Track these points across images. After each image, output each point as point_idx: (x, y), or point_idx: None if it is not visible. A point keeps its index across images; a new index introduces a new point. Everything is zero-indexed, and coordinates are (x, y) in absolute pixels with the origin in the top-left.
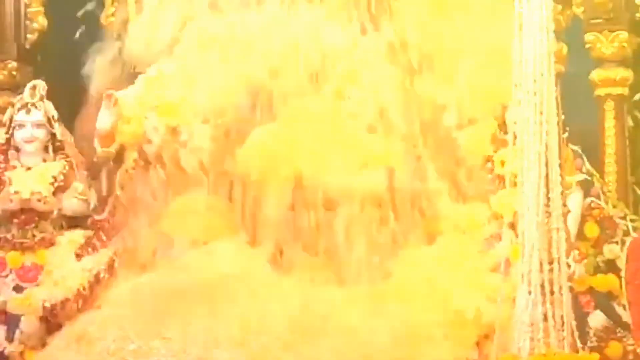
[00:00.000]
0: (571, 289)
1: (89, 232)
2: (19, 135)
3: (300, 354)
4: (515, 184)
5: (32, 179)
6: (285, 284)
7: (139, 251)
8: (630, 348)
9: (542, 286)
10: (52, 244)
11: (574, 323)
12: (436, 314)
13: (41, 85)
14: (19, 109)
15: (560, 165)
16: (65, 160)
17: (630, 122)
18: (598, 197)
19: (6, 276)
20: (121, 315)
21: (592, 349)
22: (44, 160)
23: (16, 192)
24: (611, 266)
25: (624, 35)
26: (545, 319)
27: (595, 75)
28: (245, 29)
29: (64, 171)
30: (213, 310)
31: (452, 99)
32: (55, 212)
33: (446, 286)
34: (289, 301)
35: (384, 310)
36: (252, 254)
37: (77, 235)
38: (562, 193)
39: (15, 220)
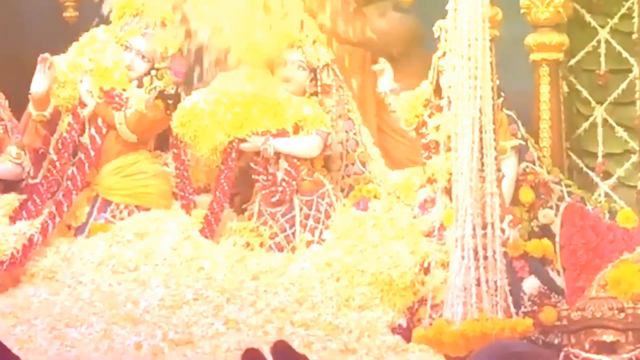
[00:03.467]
0: (505, 254)
1: (23, 196)
2: None
3: (236, 316)
4: (449, 149)
5: None
6: (221, 248)
7: (73, 215)
8: (564, 313)
9: (476, 251)
10: None
11: (507, 288)
12: (369, 279)
13: None
14: None
15: (494, 130)
16: None
17: (565, 88)
18: (533, 162)
19: None
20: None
21: (525, 314)
22: None
23: None
24: (546, 231)
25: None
26: (479, 283)
27: (531, 40)
28: None
29: None
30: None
31: (386, 65)
32: None
33: (379, 252)
34: (225, 264)
35: (316, 276)
36: (187, 218)
37: (11, 199)
38: (496, 158)
39: None
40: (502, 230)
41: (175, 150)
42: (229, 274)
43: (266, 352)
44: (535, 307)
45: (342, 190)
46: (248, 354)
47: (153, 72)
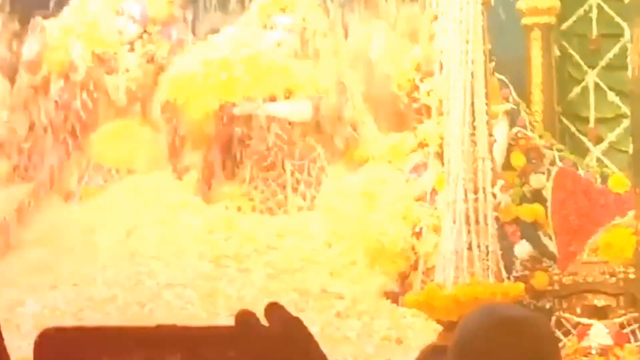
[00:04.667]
0: (497, 218)
1: (16, 161)
2: None
3: (232, 278)
4: (441, 113)
5: None
6: (212, 212)
7: (65, 179)
8: (555, 278)
9: (467, 215)
10: None
11: (499, 253)
12: (360, 243)
13: None
14: None
15: (486, 95)
16: None
17: (557, 52)
18: (524, 127)
19: None
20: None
21: (517, 279)
22: None
23: None
24: (537, 196)
25: None
26: (470, 248)
27: (522, 4)
28: None
29: None
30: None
31: (379, 30)
32: None
33: (370, 216)
34: (215, 228)
35: (308, 239)
36: (178, 183)
37: (3, 164)
38: (488, 122)
39: None
40: (494, 195)
41: (167, 115)
42: (221, 238)
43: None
44: (526, 272)
45: (334, 154)
46: (241, 315)
47: (145, 36)
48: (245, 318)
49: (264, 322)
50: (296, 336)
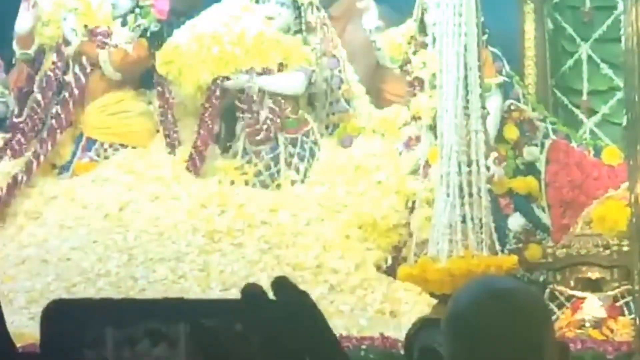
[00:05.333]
0: (490, 191)
1: (8, 135)
2: None
3: (226, 252)
4: (434, 86)
5: None
6: (205, 186)
7: (57, 154)
8: (549, 250)
9: (461, 188)
10: None
11: (492, 225)
12: (354, 218)
13: None
14: None
15: (479, 68)
16: None
17: (550, 25)
18: (518, 100)
19: None
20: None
21: (511, 252)
22: None
23: None
24: (531, 168)
25: None
26: (464, 221)
27: None
28: None
29: None
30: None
31: (370, 2)
32: None
33: (364, 190)
34: (208, 203)
35: (302, 217)
36: (171, 157)
37: None
38: (481, 95)
39: None
40: (487, 168)
41: (159, 89)
42: (215, 213)
43: (267, 287)
44: (520, 245)
45: (327, 127)
46: (248, 288)
47: (137, 10)
48: (252, 291)
49: (270, 296)
50: (303, 309)
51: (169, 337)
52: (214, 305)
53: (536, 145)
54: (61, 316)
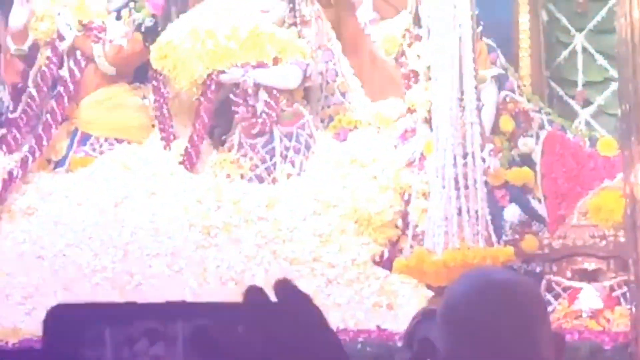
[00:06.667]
0: (486, 183)
1: (2, 130)
2: None
3: (221, 248)
4: (429, 78)
5: None
6: (201, 181)
7: (53, 149)
8: (545, 241)
9: (457, 180)
10: None
11: (488, 217)
12: (350, 211)
13: None
14: None
15: (474, 59)
16: None
17: (544, 16)
18: (513, 91)
19: None
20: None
21: (507, 243)
22: None
23: None
24: (526, 160)
25: None
26: (460, 213)
27: None
28: None
29: None
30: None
31: None
32: None
33: (359, 183)
34: (204, 198)
35: (298, 212)
36: (166, 152)
37: None
38: (476, 87)
39: None
40: (483, 159)
41: (154, 83)
42: (211, 208)
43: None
44: (516, 236)
45: (322, 121)
46: (250, 292)
47: (131, 5)
48: (253, 294)
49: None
50: (306, 313)
51: (167, 336)
52: (214, 307)
53: (531, 136)
54: (61, 320)
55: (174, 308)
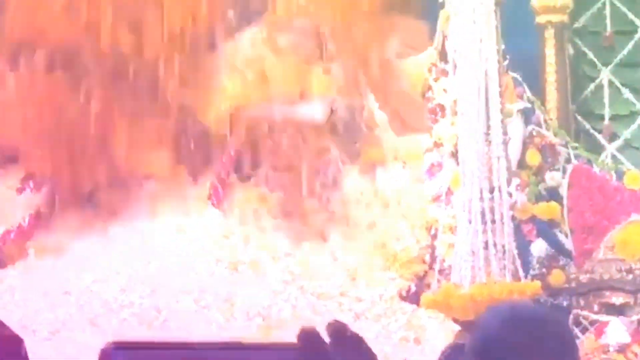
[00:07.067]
0: (513, 217)
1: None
2: None
3: (248, 285)
4: (455, 113)
5: None
6: (228, 216)
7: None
8: (572, 275)
9: (483, 215)
10: None
11: (515, 251)
12: (377, 247)
13: None
14: None
15: (500, 93)
16: None
17: (570, 50)
18: (539, 125)
19: None
20: None
21: (534, 277)
22: None
23: None
24: (553, 194)
25: None
26: (487, 247)
27: (536, 2)
28: None
29: None
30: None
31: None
32: None
33: (386, 219)
34: (231, 233)
35: (326, 248)
36: (194, 187)
37: (18, 168)
38: (502, 121)
39: None
40: (510, 194)
41: (182, 118)
42: (238, 244)
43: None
44: (543, 270)
45: (349, 156)
46: (304, 333)
47: None
48: (308, 336)
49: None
50: (361, 354)
51: None
52: (270, 348)
53: (558, 170)
54: (116, 356)
55: (227, 348)
